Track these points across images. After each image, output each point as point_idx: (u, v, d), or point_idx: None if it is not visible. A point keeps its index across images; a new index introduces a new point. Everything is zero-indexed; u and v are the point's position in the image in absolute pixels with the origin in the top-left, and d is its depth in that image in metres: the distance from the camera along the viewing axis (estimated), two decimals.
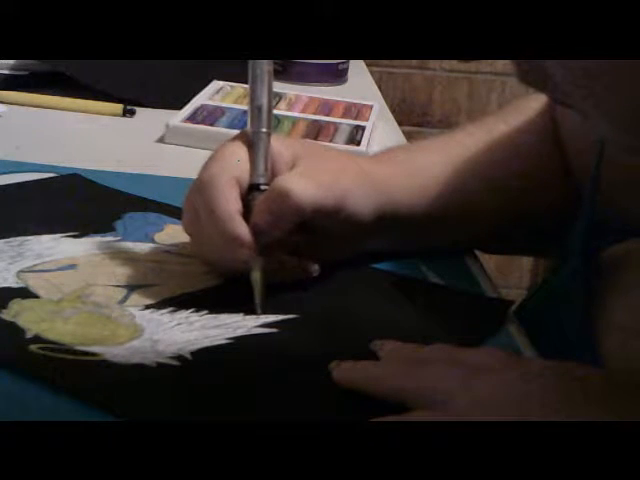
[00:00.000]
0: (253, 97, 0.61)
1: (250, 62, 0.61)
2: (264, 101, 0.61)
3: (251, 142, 0.60)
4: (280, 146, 0.61)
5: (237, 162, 0.58)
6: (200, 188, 0.58)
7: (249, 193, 0.59)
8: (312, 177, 0.59)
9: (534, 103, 0.73)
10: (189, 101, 0.96)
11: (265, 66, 0.61)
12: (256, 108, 0.61)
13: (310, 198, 0.58)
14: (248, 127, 0.60)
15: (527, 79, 0.47)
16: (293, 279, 0.60)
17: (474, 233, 0.70)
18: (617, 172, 0.60)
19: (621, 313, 0.55)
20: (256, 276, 0.57)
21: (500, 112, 0.74)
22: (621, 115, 0.44)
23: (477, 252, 0.72)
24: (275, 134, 0.61)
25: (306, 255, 0.61)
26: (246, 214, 0.57)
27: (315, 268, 0.61)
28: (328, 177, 0.60)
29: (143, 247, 0.64)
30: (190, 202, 0.59)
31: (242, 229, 0.56)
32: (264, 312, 0.56)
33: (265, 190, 0.58)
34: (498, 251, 0.79)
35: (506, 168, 0.69)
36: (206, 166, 0.59)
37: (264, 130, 0.60)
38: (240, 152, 0.59)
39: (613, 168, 0.60)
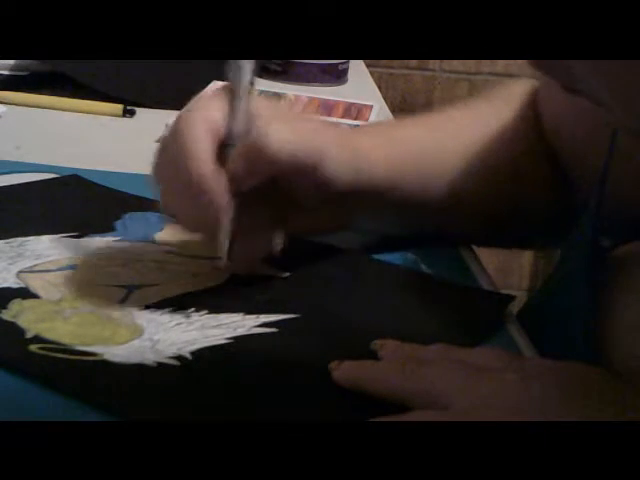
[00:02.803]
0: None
1: None
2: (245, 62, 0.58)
3: (231, 96, 0.58)
4: (260, 104, 0.59)
5: (214, 113, 0.57)
6: (174, 133, 0.57)
7: (225, 148, 0.57)
8: (290, 128, 0.58)
9: (518, 89, 0.72)
10: (189, 101, 0.95)
11: None
12: (237, 66, 0.58)
13: (287, 150, 0.56)
14: (230, 81, 0.59)
15: (538, 65, 0.47)
16: (257, 258, 0.59)
17: (458, 218, 0.68)
18: (629, 165, 0.60)
19: (632, 314, 0.55)
20: (226, 228, 0.56)
21: (487, 97, 0.73)
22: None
23: (477, 252, 0.71)
24: (257, 95, 0.59)
25: (275, 223, 0.60)
26: (221, 165, 0.56)
27: (279, 242, 0.59)
28: (306, 131, 0.59)
29: (143, 247, 0.64)
30: (163, 148, 0.58)
31: (214, 170, 0.55)
32: (229, 265, 0.56)
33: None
34: (485, 242, 0.77)
35: (492, 150, 0.68)
36: (184, 114, 0.58)
37: (246, 85, 0.58)
38: (218, 104, 0.58)
39: (625, 161, 0.60)
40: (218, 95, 0.58)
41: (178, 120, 0.57)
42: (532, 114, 0.71)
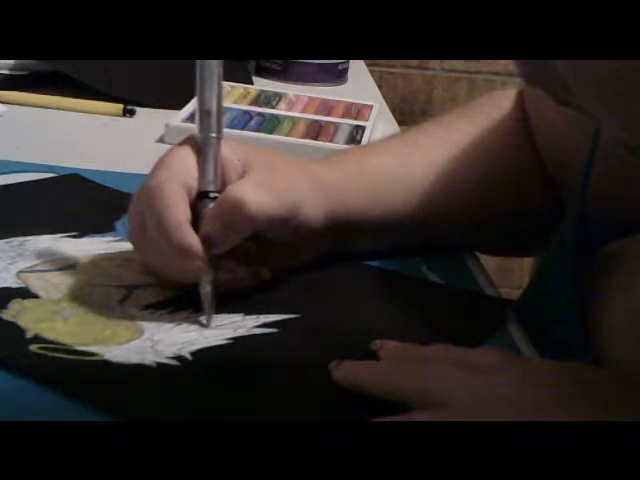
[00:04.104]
0: (201, 100, 0.58)
1: (198, 63, 0.58)
2: (213, 104, 0.58)
3: (200, 147, 0.57)
4: (230, 151, 0.58)
5: (185, 168, 0.56)
6: (147, 196, 0.55)
7: (198, 201, 0.56)
8: (265, 186, 0.57)
9: (504, 102, 0.72)
10: (189, 101, 0.96)
11: (214, 68, 0.58)
12: (204, 112, 0.58)
13: (264, 209, 0.56)
14: (196, 132, 0.58)
15: (530, 78, 0.47)
16: (244, 287, 0.58)
17: (437, 237, 0.68)
18: (611, 164, 0.60)
19: (620, 312, 0.55)
20: (206, 289, 0.55)
21: (462, 110, 0.73)
22: (636, 117, 0.44)
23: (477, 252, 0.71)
24: (224, 139, 0.58)
25: (256, 261, 0.59)
26: (195, 223, 0.55)
27: (266, 273, 0.59)
28: (281, 186, 0.58)
29: None
30: (136, 210, 0.57)
31: (192, 239, 0.54)
32: (212, 325, 0.55)
33: (215, 198, 0.56)
34: (476, 249, 0.77)
35: (471, 169, 0.68)
36: (153, 173, 0.56)
37: (213, 135, 0.58)
38: (188, 158, 0.57)
39: (607, 160, 0.60)
40: (186, 147, 0.58)
41: (150, 180, 0.56)
42: (521, 116, 0.70)
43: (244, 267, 0.58)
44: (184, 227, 0.54)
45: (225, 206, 0.56)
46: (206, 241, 0.55)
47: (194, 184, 0.56)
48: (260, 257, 0.60)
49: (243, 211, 0.55)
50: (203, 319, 0.55)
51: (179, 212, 0.55)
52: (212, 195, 0.57)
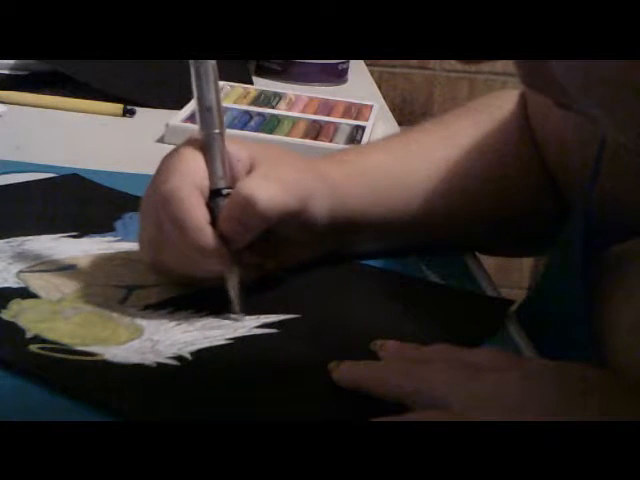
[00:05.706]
0: (201, 98, 0.58)
1: (192, 62, 0.57)
2: (213, 101, 0.58)
3: (204, 146, 0.57)
4: (236, 148, 0.58)
5: (194, 169, 0.56)
6: (163, 202, 0.55)
7: (211, 199, 0.56)
8: (274, 181, 0.57)
9: (506, 103, 0.72)
10: (189, 101, 0.96)
11: (209, 64, 0.57)
12: (205, 109, 0.57)
13: (277, 204, 0.56)
14: (199, 130, 0.58)
15: (530, 82, 0.47)
16: (246, 280, 0.58)
17: (438, 236, 0.68)
18: (618, 164, 0.60)
19: (627, 313, 0.55)
20: (234, 285, 0.56)
21: (464, 110, 0.73)
22: (635, 121, 0.44)
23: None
24: (228, 137, 0.58)
25: (258, 257, 0.59)
26: (212, 221, 0.56)
27: (269, 263, 0.60)
28: (289, 180, 0.58)
29: None
30: (150, 215, 0.57)
31: (214, 241, 0.55)
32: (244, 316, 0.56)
33: (227, 194, 0.56)
34: (475, 250, 0.77)
35: (473, 169, 0.68)
36: (163, 178, 0.56)
37: (217, 131, 0.57)
38: (195, 158, 0.57)
39: (614, 160, 0.60)
40: (190, 147, 0.57)
41: (162, 185, 0.56)
42: (523, 117, 0.70)
43: (254, 257, 0.59)
44: (205, 229, 0.55)
45: (238, 205, 0.56)
46: (224, 239, 0.55)
47: (206, 183, 0.56)
48: (262, 254, 0.60)
49: (255, 208, 0.56)
50: (233, 314, 0.56)
51: (198, 215, 0.55)
52: (225, 192, 0.57)
